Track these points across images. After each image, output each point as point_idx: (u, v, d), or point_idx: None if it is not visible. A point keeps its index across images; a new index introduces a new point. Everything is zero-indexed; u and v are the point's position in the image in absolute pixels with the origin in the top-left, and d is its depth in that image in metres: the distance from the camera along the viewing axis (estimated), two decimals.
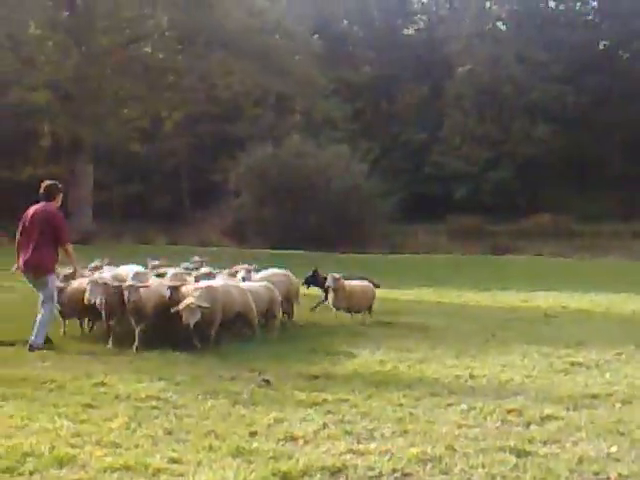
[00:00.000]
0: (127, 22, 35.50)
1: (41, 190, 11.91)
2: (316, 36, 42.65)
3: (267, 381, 9.76)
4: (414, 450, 7.11)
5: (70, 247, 11.88)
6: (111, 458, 7.00)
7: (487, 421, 8.39)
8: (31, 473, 6.72)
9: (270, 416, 8.33)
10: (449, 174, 43.79)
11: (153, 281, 12.32)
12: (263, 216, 36.85)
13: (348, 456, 6.89)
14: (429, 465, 6.77)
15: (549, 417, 8.36)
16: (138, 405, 8.69)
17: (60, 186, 12.07)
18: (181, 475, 6.64)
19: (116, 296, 11.60)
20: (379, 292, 20.00)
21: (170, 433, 7.76)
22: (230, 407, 8.69)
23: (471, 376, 10.48)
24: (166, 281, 12.52)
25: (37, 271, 11.66)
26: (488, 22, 47.69)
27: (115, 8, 34.65)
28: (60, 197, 12.07)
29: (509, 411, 8.52)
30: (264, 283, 13.47)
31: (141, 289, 11.41)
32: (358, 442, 7.39)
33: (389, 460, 6.75)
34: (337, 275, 13.90)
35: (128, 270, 13.00)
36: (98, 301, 11.49)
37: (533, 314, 16.98)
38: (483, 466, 6.82)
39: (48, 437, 7.55)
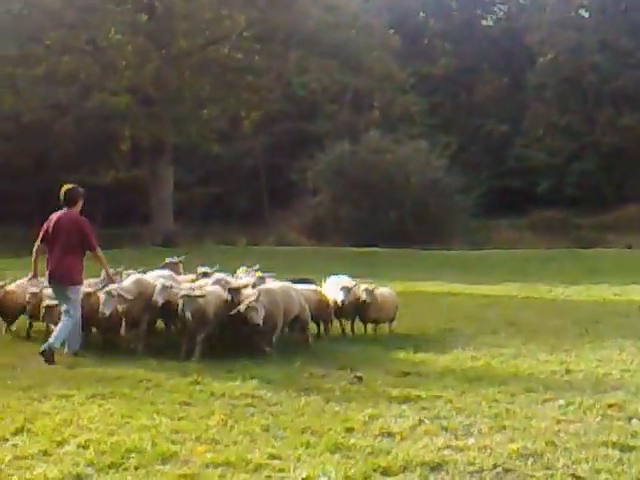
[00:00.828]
0: (206, 24, 35.78)
1: (61, 196, 11.55)
2: (392, 30, 42.49)
3: (359, 378, 9.83)
4: (514, 446, 7.13)
5: (100, 252, 11.64)
6: (212, 454, 7.18)
7: (587, 416, 8.35)
8: (136, 468, 6.92)
9: (365, 412, 8.43)
10: (531, 167, 43.21)
11: (209, 287, 11.88)
12: (341, 214, 36.86)
13: (447, 451, 6.95)
14: (530, 460, 6.79)
15: None
16: (233, 403, 8.87)
17: (81, 190, 11.75)
18: (282, 470, 6.76)
19: (138, 304, 11.31)
20: (468, 288, 20.06)
21: (267, 430, 7.90)
22: (324, 404, 8.80)
23: (567, 371, 10.43)
24: (211, 287, 11.96)
25: (63, 281, 11.26)
26: (570, 10, 46.88)
27: (194, 10, 34.99)
28: (81, 202, 11.67)
29: (609, 406, 8.48)
30: (313, 286, 13.18)
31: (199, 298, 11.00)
32: (456, 438, 7.45)
33: (489, 456, 6.80)
34: (370, 287, 13.00)
35: (155, 276, 12.51)
36: (107, 313, 11.01)
37: (627, 308, 16.73)
38: (587, 461, 6.81)
39: (149, 434, 7.75)
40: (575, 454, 7.03)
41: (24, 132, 38.70)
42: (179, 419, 8.32)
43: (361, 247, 31.78)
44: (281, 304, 11.34)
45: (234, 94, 37.10)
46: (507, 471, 6.60)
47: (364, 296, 12.58)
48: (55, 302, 11.38)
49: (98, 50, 36.05)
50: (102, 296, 10.98)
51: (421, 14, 48.95)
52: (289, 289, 11.94)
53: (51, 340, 10.82)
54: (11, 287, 12.79)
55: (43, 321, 12.09)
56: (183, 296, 10.78)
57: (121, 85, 35.80)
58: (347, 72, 37.25)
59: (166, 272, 12.98)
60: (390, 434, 7.71)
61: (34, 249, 11.56)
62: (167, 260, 13.94)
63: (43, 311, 11.54)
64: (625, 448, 7.01)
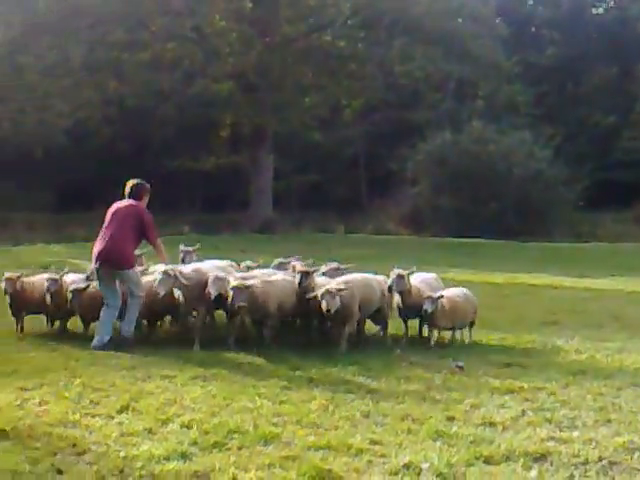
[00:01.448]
0: (310, 11, 36.00)
1: (127, 189, 11.51)
2: (499, 18, 42.16)
3: (461, 367, 9.85)
4: (620, 439, 7.11)
5: (160, 243, 11.43)
6: (313, 437, 7.30)
7: None
8: (239, 448, 7.09)
9: (466, 402, 8.47)
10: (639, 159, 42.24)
11: (274, 276, 11.54)
12: (441, 204, 36.76)
13: (550, 443, 6.99)
14: (637, 454, 6.75)
15: None
16: (333, 389, 9.00)
17: (148, 186, 11.65)
18: (383, 456, 6.86)
19: (195, 291, 11.01)
20: (570, 281, 19.73)
21: (367, 416, 8.01)
22: (425, 392, 8.88)
23: None
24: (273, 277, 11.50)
25: (114, 264, 11.04)
26: None
27: None
28: (147, 198, 11.62)
29: None
30: (382, 277, 11.97)
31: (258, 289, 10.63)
32: (560, 430, 7.47)
33: (594, 448, 6.81)
34: (435, 295, 11.27)
35: (211, 265, 12.08)
36: (162, 293, 10.78)
37: None
38: None
39: (251, 416, 7.93)
40: None
41: (127, 116, 39.49)
42: (280, 402, 8.49)
43: (461, 238, 31.78)
44: (357, 295, 10.89)
45: (336, 82, 37.29)
46: (613, 464, 6.58)
47: (426, 305, 11.07)
48: (82, 285, 11.26)
49: (202, 37, 36.59)
50: (159, 276, 10.79)
51: (529, 2, 48.36)
52: (371, 280, 11.48)
53: (124, 329, 10.99)
54: (30, 279, 12.08)
55: (67, 312, 11.68)
56: (233, 287, 10.47)
57: (224, 72, 36.27)
58: (451, 60, 37.10)
59: (224, 262, 12.68)
60: (492, 424, 7.75)
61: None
62: (181, 248, 13.51)
63: (70, 296, 11.14)
64: None
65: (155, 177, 39.35)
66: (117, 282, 11.16)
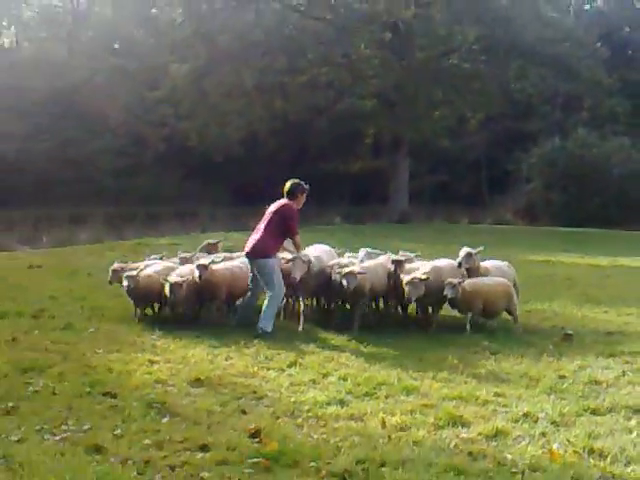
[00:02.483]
0: (440, 39, 35.75)
1: (285, 188, 10.64)
2: (600, 43, 40.99)
3: (569, 335, 9.73)
4: None
5: (299, 239, 10.46)
6: (446, 390, 7.38)
7: None
8: (385, 397, 7.22)
9: (575, 364, 8.42)
10: None
11: (368, 263, 10.75)
12: (551, 199, 36.37)
13: None
14: None
15: None
16: (464, 351, 9.03)
17: (304, 186, 10.69)
18: (505, 406, 6.92)
19: (317, 278, 10.37)
20: None
21: (492, 373, 8.02)
22: (539, 355, 8.83)
23: None
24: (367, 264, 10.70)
25: (257, 254, 10.30)
26: None
27: (431, 28, 35.06)
28: (303, 198, 10.67)
29: None
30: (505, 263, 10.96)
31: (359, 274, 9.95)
32: None
33: None
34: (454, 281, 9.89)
35: (313, 250, 11.27)
36: (298, 278, 10.09)
37: None
38: None
39: (395, 372, 8.04)
40: None
41: (289, 129, 40.01)
42: (419, 360, 8.60)
43: (569, 227, 31.29)
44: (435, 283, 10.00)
45: (461, 97, 36.94)
46: None
47: (446, 291, 9.81)
48: (180, 279, 10.27)
49: (350, 62, 36.77)
50: (297, 261, 10.06)
51: (626, 29, 46.77)
52: (453, 269, 10.42)
53: (261, 325, 10.00)
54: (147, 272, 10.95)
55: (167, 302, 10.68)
56: (347, 274, 9.80)
57: (368, 91, 36.58)
58: (560, 78, 36.32)
59: (327, 248, 11.77)
60: (597, 382, 7.70)
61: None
62: (205, 242, 12.68)
63: (167, 288, 10.20)
64: None
65: (311, 178, 40.16)
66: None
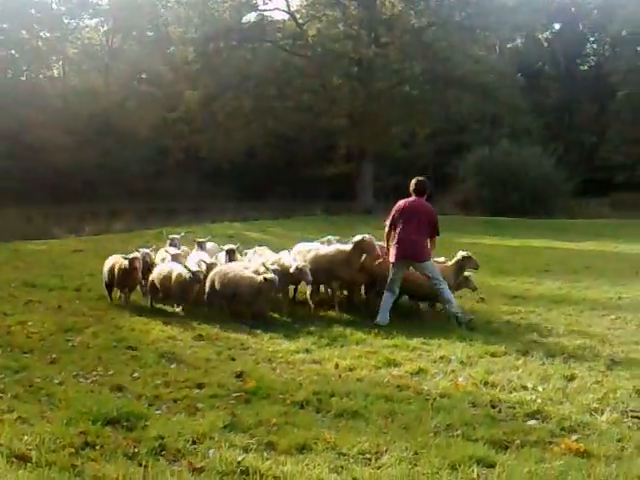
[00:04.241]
0: (395, 72, 35.72)
1: (413, 186, 8.91)
2: (519, 74, 41.27)
3: (483, 299, 9.86)
4: (577, 342, 7.17)
5: (436, 240, 8.85)
6: (386, 340, 7.63)
7: (628, 325, 8.24)
8: (341, 346, 7.35)
9: (484, 320, 8.51)
10: (612, 165, 40.85)
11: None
12: (481, 195, 36.36)
13: (534, 342, 7.11)
14: (587, 351, 6.85)
15: None
16: (403, 313, 9.10)
17: (429, 183, 9.05)
18: (428, 351, 7.16)
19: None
20: (562, 244, 19.18)
21: (420, 328, 8.18)
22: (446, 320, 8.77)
23: (619, 298, 10.19)
24: None
25: (416, 258, 8.61)
26: (638, 60, 43.81)
27: (387, 63, 35.08)
28: (428, 192, 9.01)
29: None
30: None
31: None
32: (540, 335, 7.60)
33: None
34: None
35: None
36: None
37: None
38: (622, 352, 6.84)
39: (349, 329, 8.18)
40: (615, 347, 7.00)
41: (279, 142, 39.99)
42: (371, 319, 8.72)
43: (493, 217, 31.46)
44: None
45: (412, 117, 37.00)
46: (571, 357, 6.70)
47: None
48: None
49: (326, 90, 36.76)
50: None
51: (539, 63, 47.01)
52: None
53: (453, 310, 8.48)
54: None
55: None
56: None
57: (340, 113, 36.53)
58: (487, 102, 36.48)
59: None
60: (498, 333, 7.86)
61: (385, 231, 8.90)
62: (170, 237, 11.12)
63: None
64: None
65: (298, 180, 40.23)
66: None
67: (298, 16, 36.92)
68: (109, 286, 9.86)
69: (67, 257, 15.12)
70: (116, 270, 9.49)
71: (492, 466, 4.20)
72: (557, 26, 47.67)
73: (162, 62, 41.09)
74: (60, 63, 43.78)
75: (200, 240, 11.01)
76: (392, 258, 8.60)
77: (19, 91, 37.63)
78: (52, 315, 8.84)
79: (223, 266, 9.21)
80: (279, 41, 36.94)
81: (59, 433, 4.66)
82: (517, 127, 39.72)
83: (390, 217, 8.78)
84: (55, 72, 44.35)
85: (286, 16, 37.95)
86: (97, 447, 4.53)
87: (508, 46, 47.04)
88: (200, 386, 5.95)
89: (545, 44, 47.43)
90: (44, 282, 11.31)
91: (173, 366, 6.63)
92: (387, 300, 8.55)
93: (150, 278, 9.47)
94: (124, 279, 9.48)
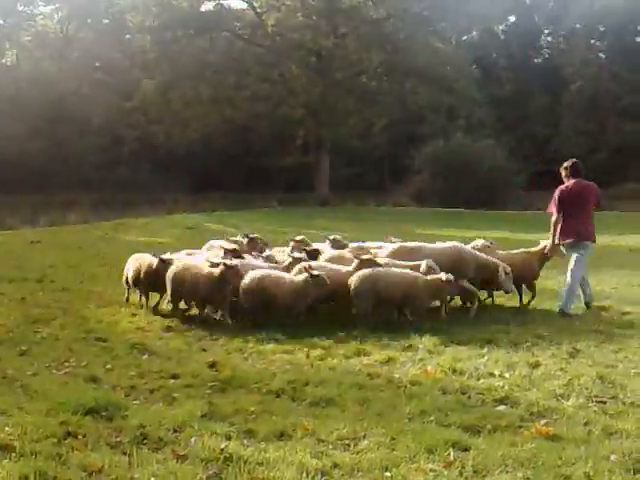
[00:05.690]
0: (352, 63, 35.85)
1: (570, 169, 8.81)
2: (475, 66, 41.87)
3: None
4: (538, 331, 7.42)
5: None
6: (355, 331, 7.61)
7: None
8: (310, 337, 7.43)
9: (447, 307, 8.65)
10: (564, 157, 41.42)
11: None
12: (436, 186, 36.55)
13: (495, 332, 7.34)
14: (548, 339, 7.09)
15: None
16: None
17: (581, 164, 8.87)
18: (396, 340, 7.18)
19: None
20: (513, 235, 19.39)
21: (389, 319, 8.28)
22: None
23: None
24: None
25: (588, 238, 8.66)
26: (592, 53, 44.92)
27: (345, 54, 35.20)
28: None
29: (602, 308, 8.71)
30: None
31: None
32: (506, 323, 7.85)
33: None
34: None
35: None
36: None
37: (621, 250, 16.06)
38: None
39: (316, 318, 8.22)
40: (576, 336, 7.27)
41: (236, 131, 39.65)
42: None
43: (448, 208, 31.76)
44: None
45: (369, 108, 37.23)
46: (534, 345, 6.91)
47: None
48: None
49: (284, 80, 36.72)
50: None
51: (493, 54, 47.76)
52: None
53: (562, 303, 8.51)
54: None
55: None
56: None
57: (297, 102, 36.53)
58: (443, 94, 36.93)
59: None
60: (459, 321, 8.01)
61: (553, 219, 8.76)
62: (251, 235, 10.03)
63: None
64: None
65: (254, 170, 40.10)
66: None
67: (257, 5, 36.79)
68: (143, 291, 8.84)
69: (25, 248, 14.89)
70: (198, 282, 7.97)
71: (467, 450, 4.39)
72: (512, 18, 48.63)
73: (118, 50, 40.44)
74: (14, 51, 42.71)
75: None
76: (567, 239, 8.58)
77: None
78: (17, 307, 8.76)
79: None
80: (237, 30, 36.73)
81: (40, 423, 4.69)
82: (472, 119, 40.34)
83: (556, 204, 8.66)
84: (8, 60, 43.23)
85: (245, 5, 37.85)
86: (79, 437, 4.57)
87: (464, 38, 47.72)
88: (175, 376, 6.02)
89: (501, 36, 48.24)
90: (4, 274, 11.16)
91: (145, 357, 6.67)
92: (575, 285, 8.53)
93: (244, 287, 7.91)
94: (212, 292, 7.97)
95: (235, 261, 8.11)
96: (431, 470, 4.14)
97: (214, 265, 8.02)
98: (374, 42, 34.82)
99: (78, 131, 38.23)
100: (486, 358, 6.49)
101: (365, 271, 7.79)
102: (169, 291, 8.31)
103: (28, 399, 5.33)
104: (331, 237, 9.85)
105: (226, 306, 8.06)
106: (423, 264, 8.00)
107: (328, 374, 6.08)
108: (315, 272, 7.64)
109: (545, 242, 8.99)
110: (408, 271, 7.85)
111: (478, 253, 8.65)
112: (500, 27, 48.45)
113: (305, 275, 7.69)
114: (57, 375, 6.02)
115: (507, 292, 8.58)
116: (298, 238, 9.82)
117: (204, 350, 6.98)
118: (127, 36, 41.87)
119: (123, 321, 8.20)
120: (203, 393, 5.58)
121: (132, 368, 6.25)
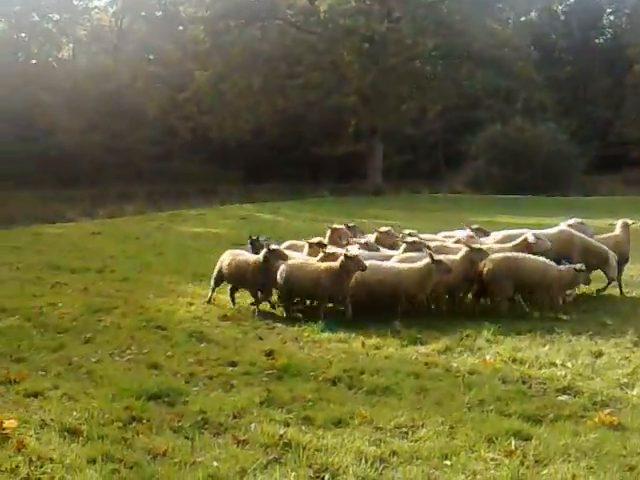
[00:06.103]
0: (406, 47, 35.41)
1: None
2: (533, 47, 41.00)
3: None
4: (602, 319, 7.29)
5: None
6: (410, 320, 7.62)
7: None
8: (367, 326, 7.45)
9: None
10: (627, 141, 40.28)
11: None
12: (492, 172, 36.14)
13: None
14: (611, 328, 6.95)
15: None
16: None
17: None
18: (453, 329, 7.17)
19: None
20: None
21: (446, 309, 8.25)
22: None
23: None
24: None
25: None
26: None
27: (399, 38, 34.82)
28: None
29: None
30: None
31: None
32: None
33: None
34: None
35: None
36: None
37: None
38: None
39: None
40: None
41: (288, 121, 39.77)
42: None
43: (505, 195, 31.34)
44: None
45: (423, 94, 36.91)
46: (597, 334, 6.77)
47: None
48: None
49: (336, 67, 36.66)
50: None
51: (553, 35, 46.54)
52: None
53: None
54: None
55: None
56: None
57: (349, 90, 36.41)
58: (500, 77, 36.39)
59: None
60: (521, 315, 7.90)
61: None
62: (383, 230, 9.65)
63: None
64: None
65: (306, 160, 40.25)
66: None
67: None
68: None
69: (86, 240, 15.37)
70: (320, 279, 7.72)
71: (528, 439, 4.39)
72: None
73: (171, 42, 41.05)
74: (70, 45, 43.92)
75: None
76: None
77: (30, 74, 37.78)
78: (80, 296, 9.08)
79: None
80: (290, 18, 36.84)
81: (105, 408, 4.89)
82: (531, 102, 39.54)
83: None
84: (65, 54, 44.48)
85: None
86: (143, 421, 4.75)
87: (522, 19, 46.72)
88: (232, 364, 6.18)
89: (561, 16, 47.04)
90: (67, 264, 11.55)
91: (203, 345, 6.86)
92: None
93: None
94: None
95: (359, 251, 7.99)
96: (492, 459, 4.15)
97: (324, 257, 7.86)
98: (429, 25, 34.40)
99: (133, 124, 39.00)
100: (547, 347, 6.45)
101: (499, 255, 7.71)
102: (282, 291, 8.18)
103: (93, 385, 5.55)
104: (474, 226, 9.56)
105: (347, 299, 7.77)
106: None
107: (384, 363, 6.15)
108: (438, 257, 7.39)
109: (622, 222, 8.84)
110: (543, 259, 7.76)
111: (588, 239, 8.54)
112: (560, 7, 47.23)
113: (427, 260, 7.45)
114: (120, 362, 6.25)
115: (612, 280, 8.41)
116: (383, 229, 9.60)
117: (260, 339, 7.12)
118: (180, 27, 42.45)
119: (181, 310, 8.42)
120: (260, 380, 5.72)
121: (191, 356, 6.43)
